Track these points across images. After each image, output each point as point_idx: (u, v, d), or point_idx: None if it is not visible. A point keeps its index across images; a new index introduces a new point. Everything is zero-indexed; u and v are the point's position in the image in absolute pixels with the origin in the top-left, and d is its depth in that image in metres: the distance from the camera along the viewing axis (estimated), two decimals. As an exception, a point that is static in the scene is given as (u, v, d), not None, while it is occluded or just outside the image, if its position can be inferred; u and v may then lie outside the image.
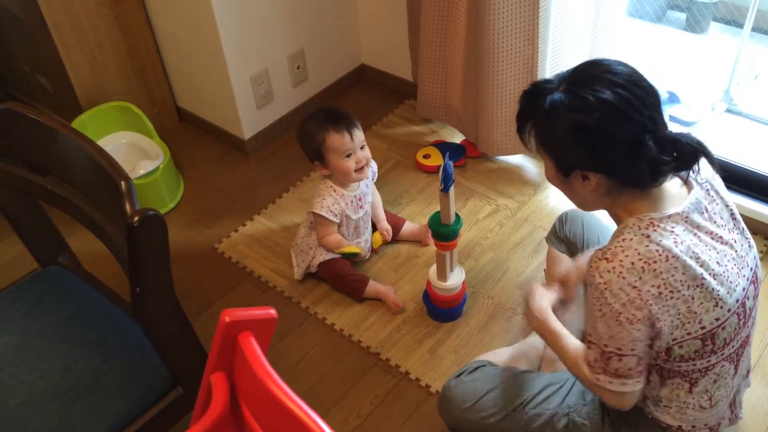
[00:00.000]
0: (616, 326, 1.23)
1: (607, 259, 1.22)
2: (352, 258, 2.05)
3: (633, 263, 1.20)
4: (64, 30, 2.26)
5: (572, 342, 1.40)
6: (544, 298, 1.50)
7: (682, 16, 2.75)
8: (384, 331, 1.96)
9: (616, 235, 1.26)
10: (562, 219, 1.82)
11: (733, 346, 1.31)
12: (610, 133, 1.18)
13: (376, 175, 2.13)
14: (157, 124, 2.51)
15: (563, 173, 1.28)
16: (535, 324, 1.49)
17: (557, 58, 2.20)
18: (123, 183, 1.15)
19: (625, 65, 1.23)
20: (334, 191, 1.97)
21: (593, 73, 1.22)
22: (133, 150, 2.40)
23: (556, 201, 2.29)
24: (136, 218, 1.08)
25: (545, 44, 2.13)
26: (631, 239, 1.22)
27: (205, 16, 2.24)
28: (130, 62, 2.49)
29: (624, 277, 1.20)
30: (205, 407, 0.98)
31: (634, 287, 1.20)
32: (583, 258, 1.63)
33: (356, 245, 2.04)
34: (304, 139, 1.96)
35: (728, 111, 2.41)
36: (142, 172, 2.28)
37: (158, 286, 1.20)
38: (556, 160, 1.28)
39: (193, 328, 1.36)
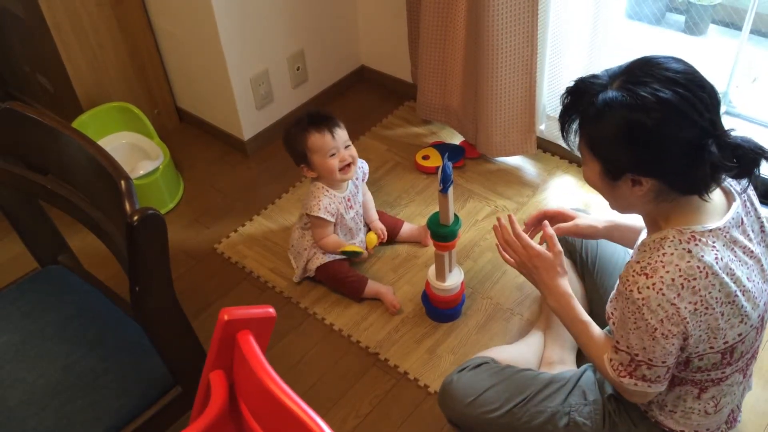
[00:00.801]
0: (650, 340, 1.21)
1: (646, 274, 1.18)
2: (353, 257, 2.05)
3: (673, 279, 1.16)
4: (64, 30, 2.27)
5: (597, 333, 1.38)
6: (564, 278, 1.44)
7: (681, 18, 2.76)
8: (383, 332, 1.96)
9: (654, 247, 1.21)
10: (561, 220, 1.82)
11: (746, 358, 1.31)
12: (670, 135, 1.12)
13: (367, 175, 2.12)
14: (157, 125, 2.52)
15: (611, 177, 1.21)
16: (554, 304, 1.44)
17: (556, 60, 2.21)
18: (123, 182, 1.15)
19: (684, 63, 1.16)
20: (327, 191, 1.97)
21: (651, 71, 1.14)
22: (133, 150, 2.40)
23: (554, 202, 2.30)
24: (135, 217, 1.08)
25: (544, 46, 2.14)
26: (672, 254, 1.17)
27: (206, 16, 2.25)
28: (131, 62, 2.50)
29: (663, 294, 1.16)
30: (203, 406, 0.98)
31: (673, 304, 1.17)
32: (584, 220, 1.60)
33: (356, 245, 2.04)
34: (289, 143, 1.97)
35: (727, 113, 2.42)
36: (142, 172, 2.29)
37: (158, 285, 1.21)
38: (604, 163, 1.21)
39: (193, 327, 1.36)
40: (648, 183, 1.18)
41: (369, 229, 2.15)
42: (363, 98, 2.83)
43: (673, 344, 1.20)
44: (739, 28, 2.32)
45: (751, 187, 1.29)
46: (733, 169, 1.15)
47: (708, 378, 1.29)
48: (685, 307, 1.17)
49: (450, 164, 1.67)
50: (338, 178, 1.95)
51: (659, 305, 1.17)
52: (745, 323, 1.23)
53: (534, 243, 1.47)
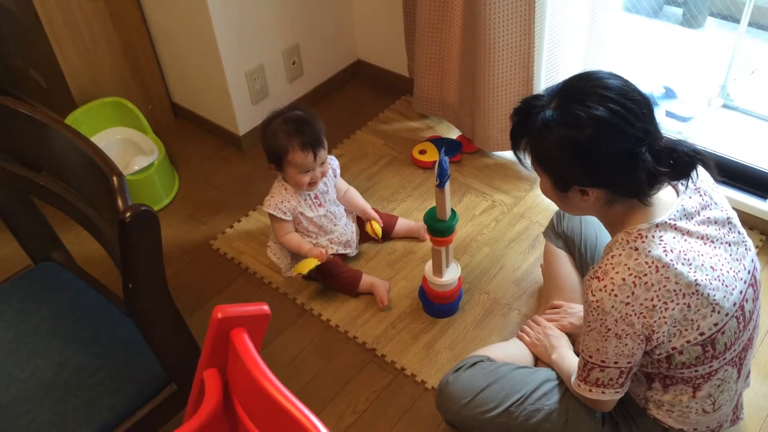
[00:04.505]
0: (602, 341, 1.26)
1: (598, 278, 1.23)
2: (310, 271, 1.95)
3: (624, 279, 1.21)
4: (57, 25, 2.25)
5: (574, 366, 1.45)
6: (562, 341, 1.64)
7: (679, 11, 2.75)
8: (380, 327, 1.95)
9: (606, 251, 1.27)
10: (560, 214, 1.82)
11: (735, 350, 1.30)
12: (606, 148, 1.18)
13: (338, 171, 2.09)
14: (151, 120, 2.50)
15: (561, 189, 1.27)
16: (548, 362, 1.61)
17: (553, 53, 2.20)
18: (115, 179, 1.14)
19: (617, 77, 1.22)
20: (285, 189, 1.96)
21: (584, 89, 1.20)
22: (128, 146, 2.39)
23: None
24: (128, 214, 1.07)
25: (541, 39, 2.12)
26: (620, 254, 1.22)
27: (200, 11, 2.23)
28: (125, 57, 2.48)
29: (616, 295, 1.21)
30: (197, 404, 0.97)
31: (627, 303, 1.21)
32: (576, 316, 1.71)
33: (315, 254, 1.95)
34: (269, 137, 1.92)
35: (725, 106, 2.41)
36: (136, 168, 2.27)
37: (151, 282, 1.20)
38: (552, 177, 1.27)
39: (189, 324, 1.35)
40: (594, 192, 1.24)
41: (360, 223, 2.15)
42: (359, 93, 2.82)
43: (626, 344, 1.24)
44: (737, 20, 2.31)
45: (711, 183, 1.32)
46: (669, 173, 1.19)
47: (697, 374, 1.29)
48: (641, 304, 1.20)
49: (447, 159, 1.66)
50: (303, 191, 1.97)
51: (613, 306, 1.21)
52: (718, 312, 1.24)
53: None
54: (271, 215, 1.98)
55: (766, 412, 1.71)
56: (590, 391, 1.33)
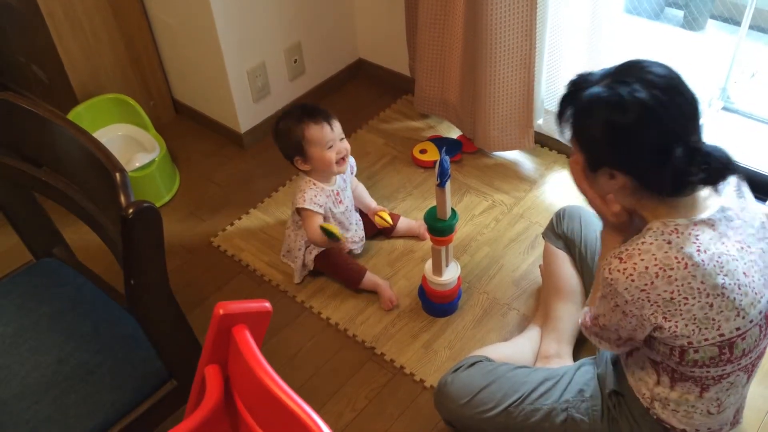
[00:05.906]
0: (609, 312, 1.28)
1: (620, 258, 1.22)
2: (331, 239, 1.92)
3: (647, 267, 1.20)
4: (59, 20, 2.25)
5: None
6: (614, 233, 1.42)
7: (680, 13, 2.75)
8: (379, 326, 1.96)
9: (638, 235, 1.25)
10: (560, 215, 1.82)
11: (750, 357, 1.30)
12: (640, 134, 1.17)
13: (355, 169, 2.11)
14: (153, 117, 2.50)
15: (591, 167, 1.27)
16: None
17: (554, 55, 2.20)
18: (118, 175, 1.15)
19: (669, 69, 1.21)
20: (314, 185, 1.96)
21: (635, 73, 1.20)
22: (129, 142, 2.39)
23: (551, 197, 2.29)
24: (130, 210, 1.07)
25: (542, 40, 2.13)
26: (651, 243, 1.21)
27: (202, 7, 2.23)
28: (126, 54, 2.48)
29: (633, 280, 1.21)
30: (198, 400, 0.98)
31: (643, 290, 1.20)
32: None
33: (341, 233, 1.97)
34: (282, 136, 1.94)
35: (725, 109, 2.41)
36: (137, 164, 2.28)
37: (153, 278, 1.20)
38: (586, 153, 1.27)
39: (189, 321, 1.36)
40: (621, 177, 1.23)
41: (368, 220, 2.15)
42: (360, 91, 2.82)
43: (630, 322, 1.26)
44: (737, 23, 2.31)
45: (745, 184, 1.32)
46: (699, 177, 1.19)
47: (708, 375, 1.29)
48: (659, 294, 1.20)
49: (447, 158, 1.66)
50: (334, 171, 1.95)
51: (626, 289, 1.22)
52: (743, 317, 1.23)
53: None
54: (305, 210, 1.94)
55: (763, 413, 1.72)
56: (600, 343, 1.38)
